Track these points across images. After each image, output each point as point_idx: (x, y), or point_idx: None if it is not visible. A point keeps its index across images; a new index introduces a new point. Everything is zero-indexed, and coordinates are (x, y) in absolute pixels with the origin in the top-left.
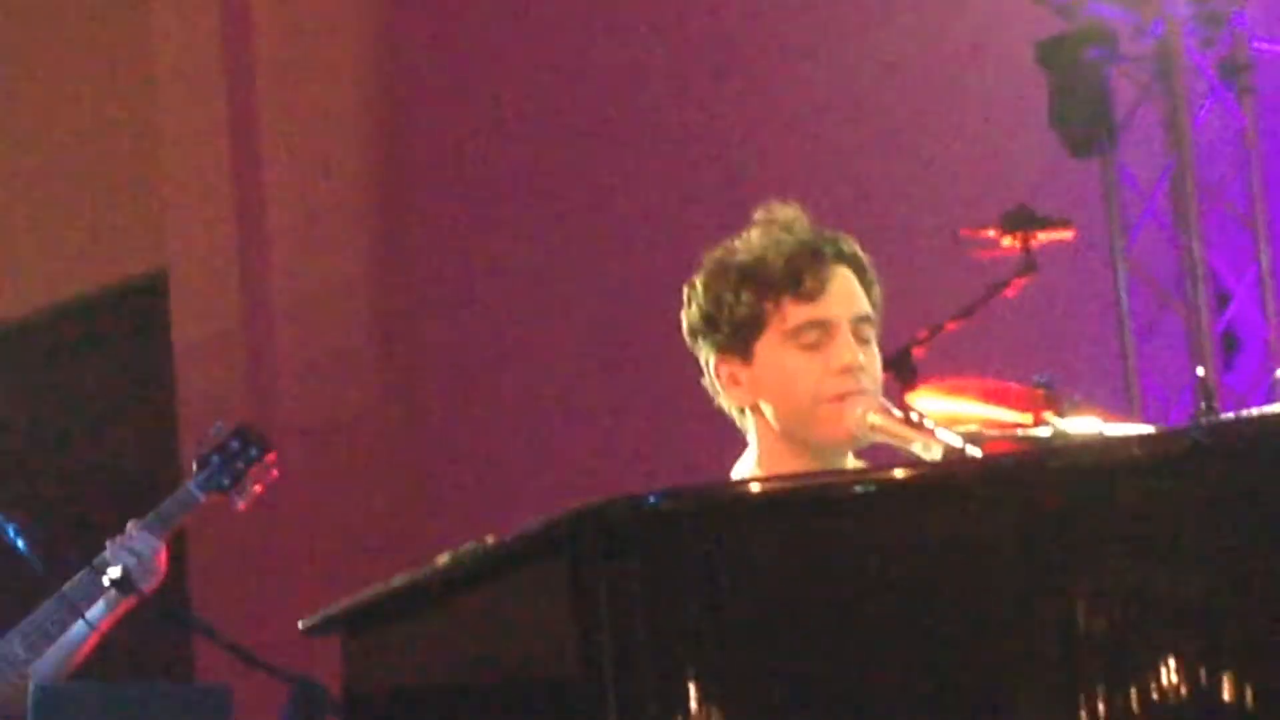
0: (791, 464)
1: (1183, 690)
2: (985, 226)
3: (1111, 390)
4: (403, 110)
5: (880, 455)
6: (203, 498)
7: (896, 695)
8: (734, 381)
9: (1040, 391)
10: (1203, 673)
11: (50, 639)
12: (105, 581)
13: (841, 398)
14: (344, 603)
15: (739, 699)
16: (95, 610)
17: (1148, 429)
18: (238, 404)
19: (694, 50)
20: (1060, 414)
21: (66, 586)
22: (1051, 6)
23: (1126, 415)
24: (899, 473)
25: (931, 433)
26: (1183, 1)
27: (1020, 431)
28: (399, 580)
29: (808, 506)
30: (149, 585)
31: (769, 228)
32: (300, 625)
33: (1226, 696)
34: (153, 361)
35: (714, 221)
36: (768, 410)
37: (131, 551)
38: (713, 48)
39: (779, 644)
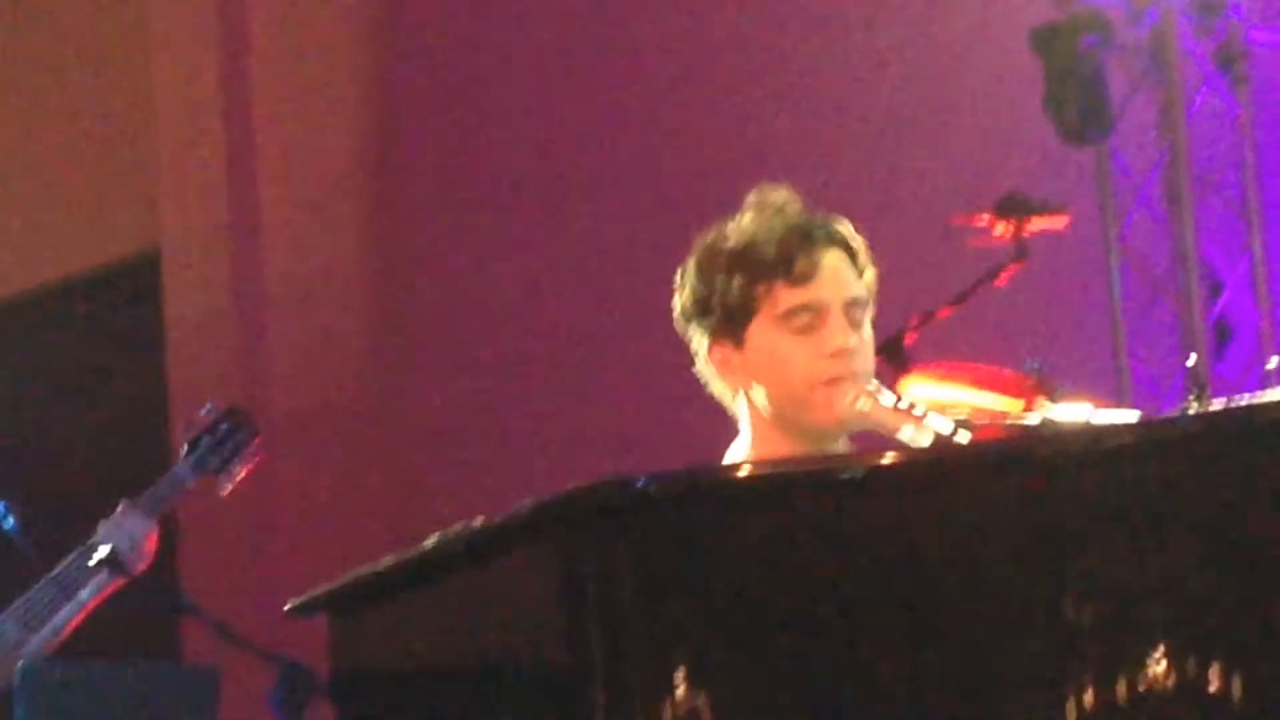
0: (783, 448)
1: (1171, 678)
2: (978, 213)
3: (1103, 377)
4: (398, 94)
5: (873, 440)
6: (192, 481)
7: (884, 680)
8: (726, 366)
9: (1031, 377)
10: (1191, 661)
11: (44, 620)
12: (94, 561)
13: (833, 382)
14: (331, 584)
15: (727, 681)
16: (86, 591)
17: (1138, 414)
18: (229, 385)
19: (687, 40)
20: (1051, 400)
21: (59, 569)
22: None
23: (1117, 403)
24: (888, 458)
25: (921, 419)
26: None
27: (1010, 419)
28: (386, 562)
29: (796, 491)
30: (139, 567)
31: (761, 211)
32: (287, 607)
33: (1215, 685)
34: (144, 342)
35: (707, 208)
36: (759, 394)
37: (122, 532)
38: (707, 36)
39: (767, 628)
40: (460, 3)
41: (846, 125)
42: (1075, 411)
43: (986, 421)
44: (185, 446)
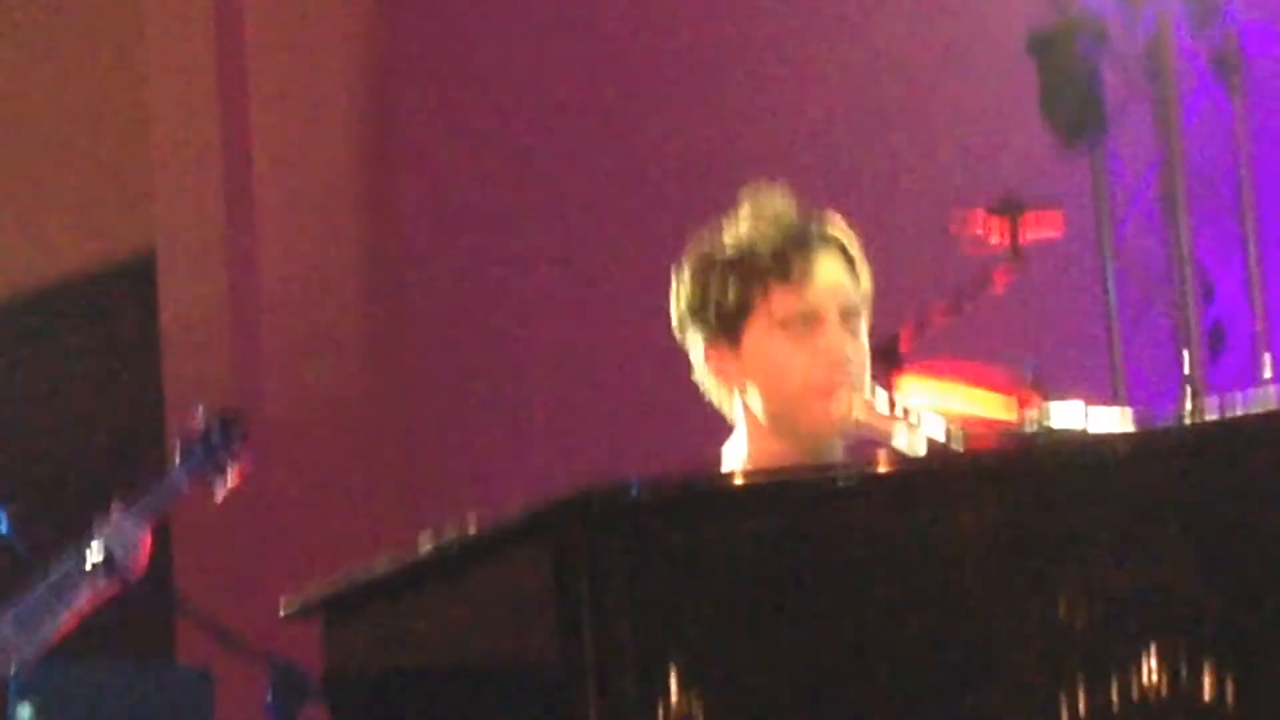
0: (779, 452)
1: (1164, 686)
2: (972, 211)
3: (1098, 381)
4: (394, 94)
5: (869, 446)
6: (186, 485)
7: (877, 686)
8: (722, 369)
9: (1027, 377)
10: (1184, 669)
11: (40, 624)
12: (90, 565)
13: (828, 390)
14: (325, 586)
15: (720, 686)
16: (81, 595)
17: (1131, 412)
18: (224, 387)
19: (684, 41)
20: (1046, 396)
21: (55, 573)
22: None
23: (1112, 404)
24: (882, 467)
25: (916, 426)
26: None
27: (1004, 426)
28: (380, 564)
29: (790, 499)
30: (134, 571)
31: (756, 212)
32: (281, 609)
33: (1207, 693)
34: (139, 344)
35: (703, 208)
36: (755, 398)
37: (117, 536)
38: (703, 37)
39: (760, 634)
40: (456, 6)
41: (843, 127)
42: (1068, 409)
43: (981, 428)
44: (178, 451)
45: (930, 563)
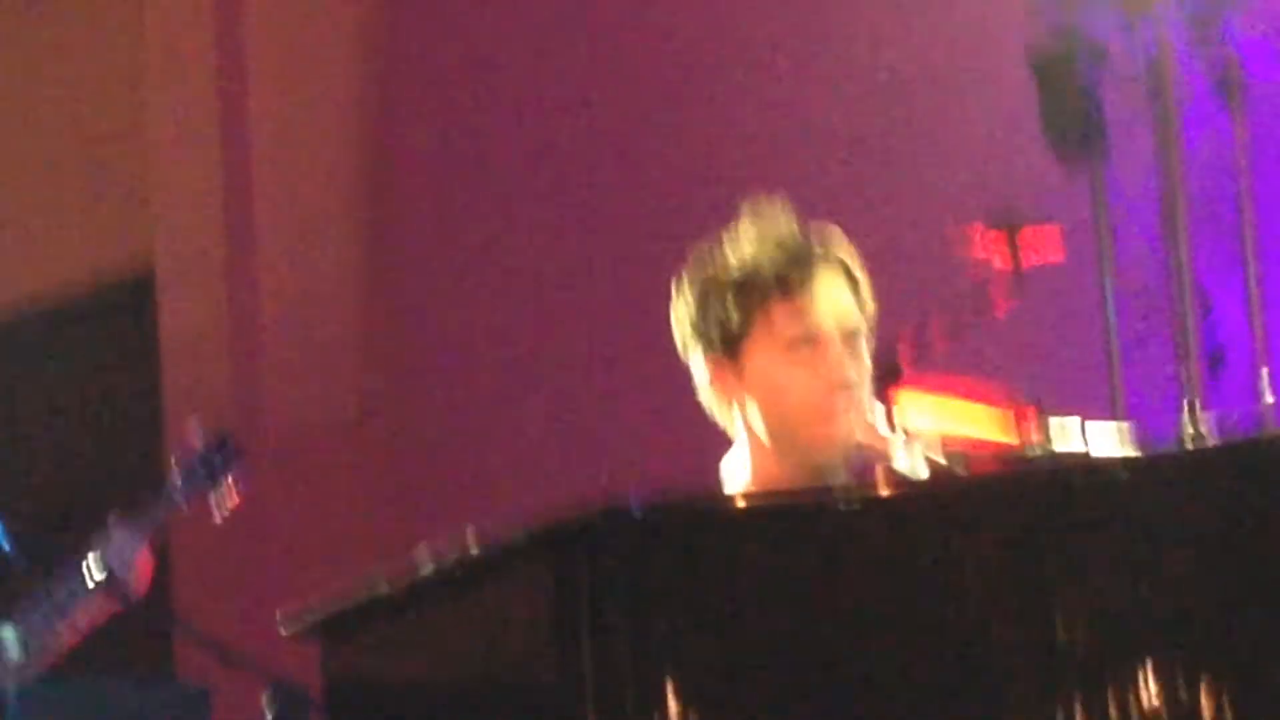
0: (780, 472)
1: (1163, 707)
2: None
3: (1096, 399)
4: (393, 114)
5: (870, 468)
6: (185, 504)
7: (876, 708)
8: (724, 389)
9: (1024, 397)
10: (1183, 689)
11: (41, 640)
12: (90, 583)
13: (829, 411)
14: (324, 604)
15: (718, 706)
16: (82, 612)
17: (1128, 427)
18: (223, 404)
19: (683, 53)
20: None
21: (57, 591)
22: (1044, 17)
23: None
24: (883, 489)
25: (918, 450)
26: (1176, 14)
27: (1005, 448)
28: (379, 583)
29: (791, 520)
30: (134, 589)
31: (758, 230)
32: (280, 626)
33: (1207, 714)
34: (139, 361)
35: (701, 221)
36: (756, 418)
37: (117, 555)
38: (701, 51)
39: (759, 654)
40: (455, 28)
41: (842, 145)
42: (1066, 424)
43: (982, 450)
44: (175, 470)
45: (930, 584)
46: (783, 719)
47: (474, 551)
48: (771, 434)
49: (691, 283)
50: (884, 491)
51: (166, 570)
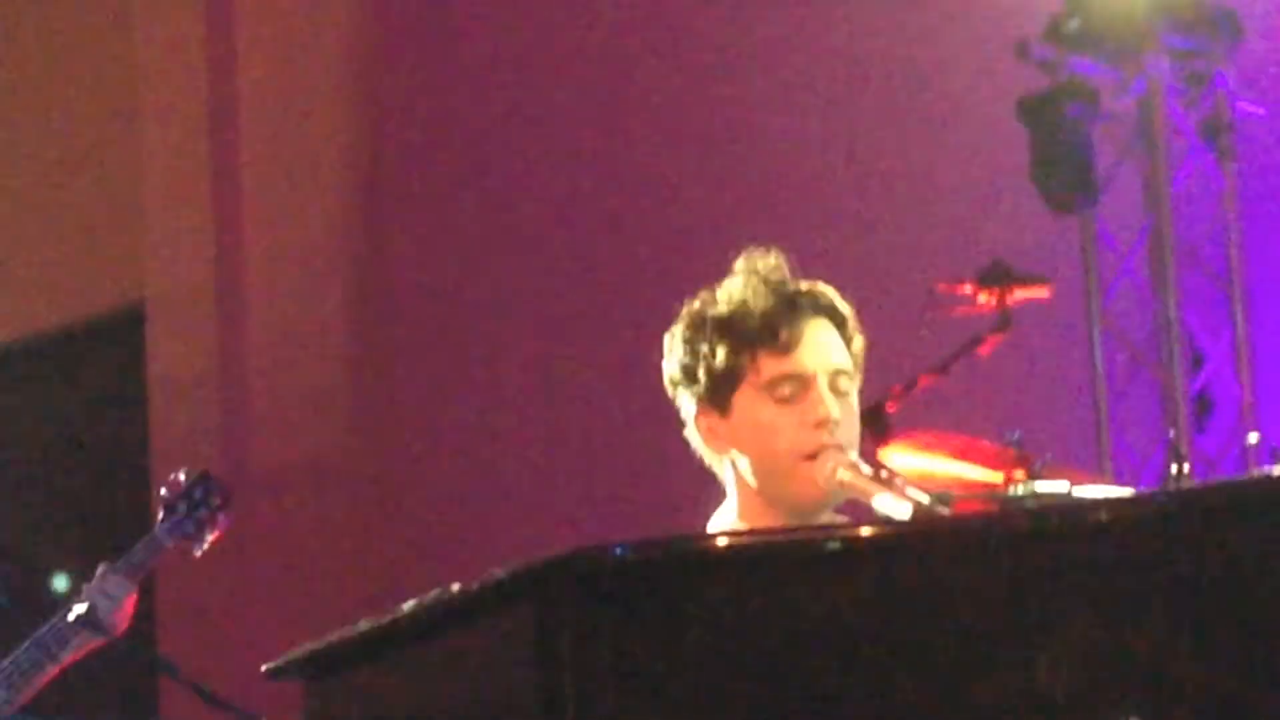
0: (768, 518)
1: None
2: (962, 281)
3: (1084, 450)
4: (383, 150)
5: (861, 513)
6: (170, 544)
7: None
8: (712, 433)
9: (1011, 450)
10: None
11: (28, 683)
12: (74, 618)
13: (814, 454)
14: (308, 646)
15: None
16: (66, 650)
17: (1118, 490)
18: (211, 441)
19: (678, 100)
20: (1031, 472)
21: (44, 632)
22: (1034, 62)
23: (1098, 475)
24: (866, 531)
25: (902, 490)
26: (1165, 60)
27: (990, 492)
28: (363, 625)
29: (775, 562)
30: (118, 628)
31: (747, 278)
32: (264, 668)
33: None
34: (127, 397)
35: (692, 275)
36: (744, 464)
37: (104, 594)
38: (696, 97)
39: (743, 696)
40: (447, 61)
41: (833, 192)
42: (1055, 485)
43: (967, 494)
44: (161, 510)
45: (916, 627)
46: None
47: (456, 591)
48: (758, 477)
49: (682, 327)
50: (868, 533)
51: (151, 611)
